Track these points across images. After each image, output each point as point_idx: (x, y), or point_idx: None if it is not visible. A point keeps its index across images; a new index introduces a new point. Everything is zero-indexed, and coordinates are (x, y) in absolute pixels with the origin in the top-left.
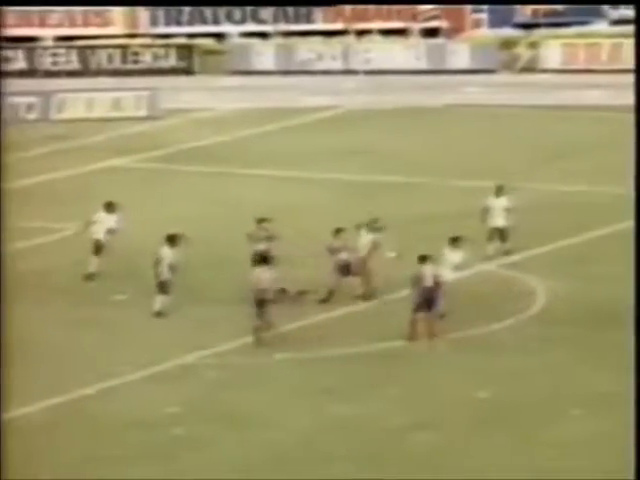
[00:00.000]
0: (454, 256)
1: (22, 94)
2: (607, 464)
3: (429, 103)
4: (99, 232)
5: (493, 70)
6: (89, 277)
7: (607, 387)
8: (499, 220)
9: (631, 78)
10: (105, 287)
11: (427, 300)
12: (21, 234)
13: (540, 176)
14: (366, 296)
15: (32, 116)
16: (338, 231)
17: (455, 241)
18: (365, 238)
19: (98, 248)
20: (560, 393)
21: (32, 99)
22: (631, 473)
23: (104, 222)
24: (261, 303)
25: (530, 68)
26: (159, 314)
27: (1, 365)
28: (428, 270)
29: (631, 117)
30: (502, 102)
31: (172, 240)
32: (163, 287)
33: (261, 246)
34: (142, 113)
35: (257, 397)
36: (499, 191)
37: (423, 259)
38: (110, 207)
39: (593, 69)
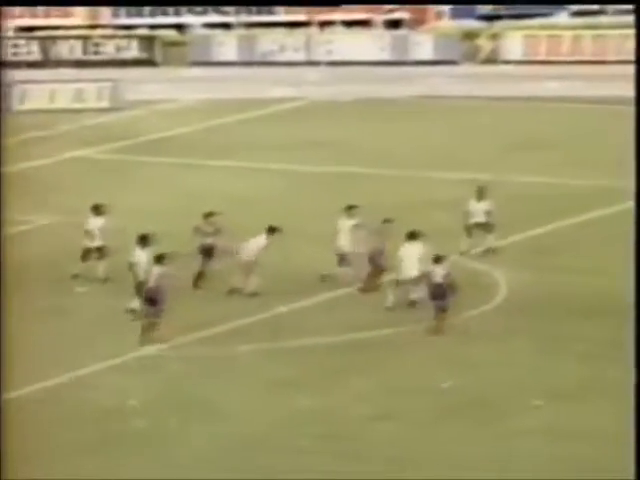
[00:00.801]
0: (414, 250)
1: None
2: (567, 453)
3: (392, 94)
4: (90, 238)
5: (455, 61)
6: (74, 277)
7: (568, 378)
8: (480, 218)
9: (591, 70)
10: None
11: (435, 297)
12: None
13: (503, 167)
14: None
15: None
16: (208, 215)
17: (413, 236)
18: (346, 224)
19: (86, 254)
20: (522, 384)
21: None
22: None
23: (93, 226)
24: (151, 301)
25: (492, 59)
26: (133, 311)
27: None
28: (438, 267)
29: (594, 108)
30: (464, 93)
31: (144, 240)
32: (140, 288)
33: (208, 240)
34: (104, 104)
35: (220, 389)
36: (480, 194)
37: (437, 259)
38: (98, 210)
39: (554, 60)
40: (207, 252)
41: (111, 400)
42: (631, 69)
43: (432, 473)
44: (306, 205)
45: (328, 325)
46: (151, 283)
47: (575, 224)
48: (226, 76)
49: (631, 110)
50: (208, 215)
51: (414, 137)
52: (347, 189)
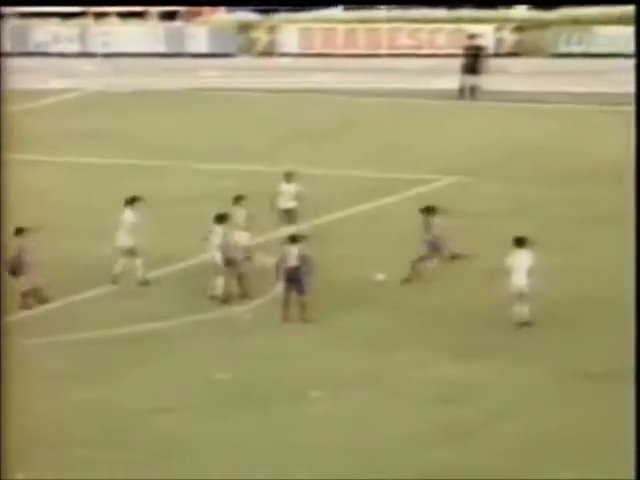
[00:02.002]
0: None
1: None
2: (345, 441)
3: (168, 86)
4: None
5: (232, 54)
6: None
7: (347, 368)
8: (289, 203)
9: (363, 63)
10: None
11: (292, 281)
12: None
13: (281, 159)
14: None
15: None
16: None
17: (221, 219)
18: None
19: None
20: (300, 375)
21: None
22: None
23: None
24: None
25: (268, 52)
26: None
27: None
28: (293, 250)
29: (369, 100)
30: (241, 86)
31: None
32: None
33: None
34: None
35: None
36: (289, 177)
37: (293, 239)
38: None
39: (329, 53)
40: None
41: None
42: (409, 62)
43: (206, 463)
44: (81, 198)
45: (108, 318)
46: None
47: (352, 215)
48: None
49: (402, 101)
50: None
51: (191, 129)
52: (125, 181)
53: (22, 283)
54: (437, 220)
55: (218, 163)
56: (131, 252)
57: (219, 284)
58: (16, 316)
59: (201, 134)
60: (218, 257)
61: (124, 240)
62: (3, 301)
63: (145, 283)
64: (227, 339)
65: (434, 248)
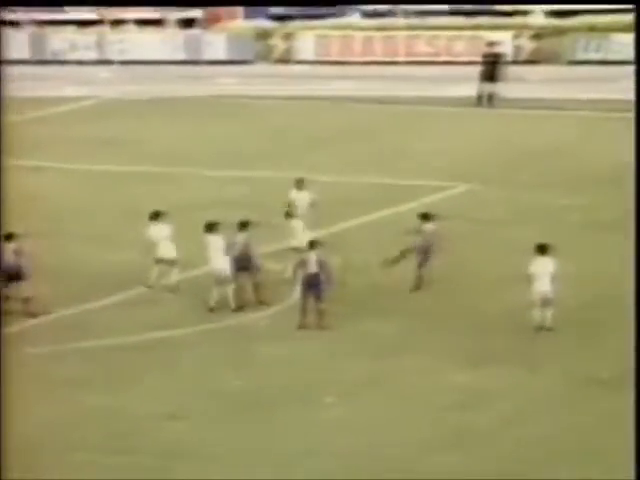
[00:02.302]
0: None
1: None
2: (359, 446)
3: (184, 94)
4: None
5: (250, 61)
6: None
7: (362, 374)
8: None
9: (380, 70)
10: None
11: (311, 287)
12: None
13: (296, 165)
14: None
15: None
16: None
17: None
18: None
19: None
20: (314, 381)
21: None
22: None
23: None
24: None
25: (285, 59)
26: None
27: None
28: (312, 256)
29: (381, 108)
30: (258, 93)
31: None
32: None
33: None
34: None
35: (8, 390)
36: (299, 185)
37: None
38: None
39: (346, 61)
40: None
41: None
42: (426, 70)
43: (221, 469)
44: (97, 205)
45: (123, 325)
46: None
47: (361, 224)
48: (17, 74)
49: (420, 109)
50: None
51: (206, 136)
52: (139, 188)
53: (22, 289)
54: (429, 226)
55: (231, 170)
56: (172, 263)
57: (220, 294)
58: (23, 324)
59: (215, 141)
60: (225, 265)
61: (166, 252)
62: (3, 307)
63: (174, 290)
64: (242, 346)
65: (425, 252)
